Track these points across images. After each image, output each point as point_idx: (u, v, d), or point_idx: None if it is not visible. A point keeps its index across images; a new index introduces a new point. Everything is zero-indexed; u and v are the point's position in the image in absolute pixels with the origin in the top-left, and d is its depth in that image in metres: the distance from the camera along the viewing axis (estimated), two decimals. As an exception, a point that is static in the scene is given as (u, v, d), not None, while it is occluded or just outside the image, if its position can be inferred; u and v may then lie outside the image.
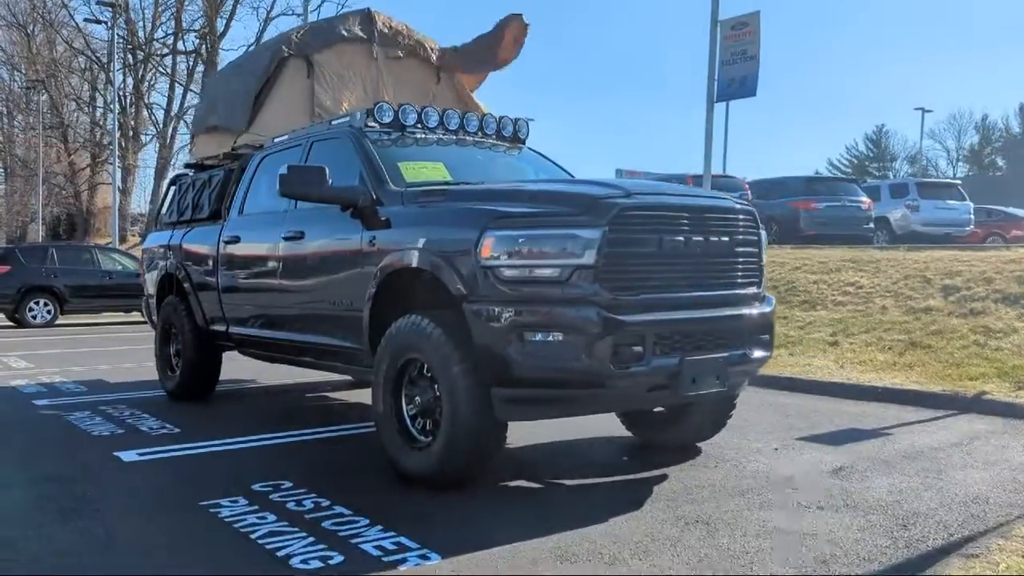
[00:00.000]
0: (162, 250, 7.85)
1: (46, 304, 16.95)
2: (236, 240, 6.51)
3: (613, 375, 4.00)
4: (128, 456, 5.28)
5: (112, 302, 17.89)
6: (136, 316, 18.60)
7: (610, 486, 4.65)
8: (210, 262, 6.90)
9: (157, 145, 41.78)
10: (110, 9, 32.94)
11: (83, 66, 45.62)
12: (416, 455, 4.50)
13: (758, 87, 16.20)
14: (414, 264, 4.55)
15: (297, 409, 7.31)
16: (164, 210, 8.29)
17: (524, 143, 6.40)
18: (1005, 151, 64.50)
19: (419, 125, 5.81)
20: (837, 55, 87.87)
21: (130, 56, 41.97)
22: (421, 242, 4.55)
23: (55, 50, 45.77)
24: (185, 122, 40.70)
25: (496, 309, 4.09)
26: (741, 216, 4.60)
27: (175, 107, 41.16)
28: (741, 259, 4.59)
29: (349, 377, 7.92)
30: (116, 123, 32.07)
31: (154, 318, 8.14)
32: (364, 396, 7.60)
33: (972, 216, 20.28)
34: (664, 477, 4.75)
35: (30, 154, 46.90)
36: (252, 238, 6.35)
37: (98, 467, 5.04)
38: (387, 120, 5.68)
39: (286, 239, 5.76)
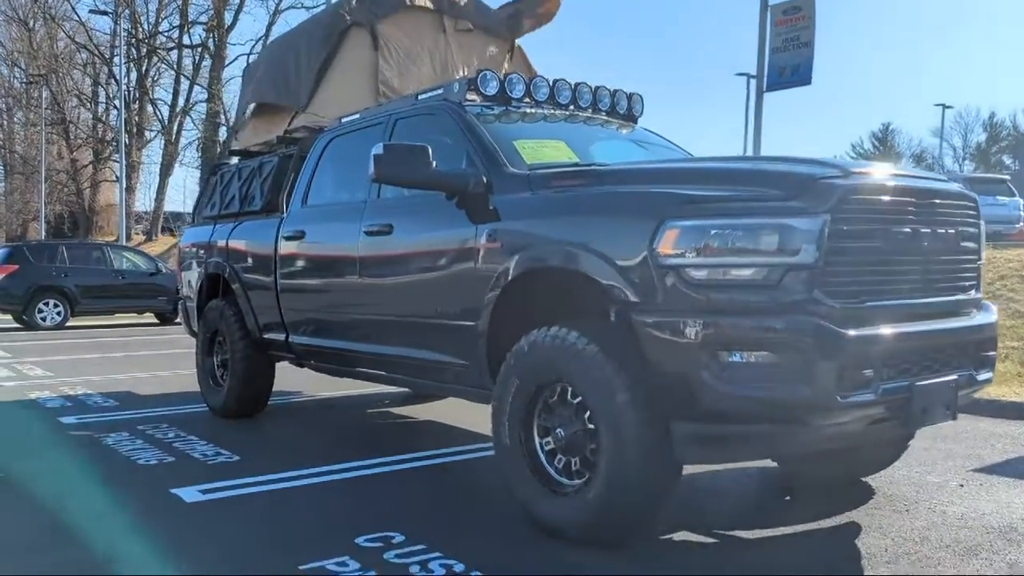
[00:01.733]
0: (204, 248, 6.95)
1: (56, 305, 16.04)
2: (300, 236, 5.61)
3: (837, 406, 3.11)
4: (189, 495, 4.38)
5: (125, 303, 17.01)
6: (149, 317, 17.76)
7: (798, 540, 3.75)
8: (266, 261, 6.00)
9: (162, 141, 40.83)
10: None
11: (85, 60, 44.65)
12: (559, 501, 3.61)
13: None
14: (559, 263, 3.66)
15: (364, 429, 6.41)
16: (204, 203, 7.39)
17: (636, 122, 5.52)
18: (1013, 149, 63.66)
19: (527, 98, 4.93)
20: (842, 52, 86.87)
21: (134, 50, 41.01)
22: (567, 236, 3.66)
23: (56, 45, 44.79)
24: (191, 118, 39.88)
25: (680, 321, 3.20)
26: (965, 203, 3.71)
27: (181, 102, 40.21)
28: (965, 256, 3.71)
29: (406, 390, 7.04)
30: (122, 118, 31.13)
31: (193, 324, 7.25)
32: (433, 412, 6.72)
33: (1022, 213, 19.45)
34: (855, 526, 3.86)
35: (31, 151, 45.94)
36: (321, 233, 5.45)
37: (157, 512, 4.15)
38: (492, 92, 4.80)
39: (369, 234, 4.87)
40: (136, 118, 41.43)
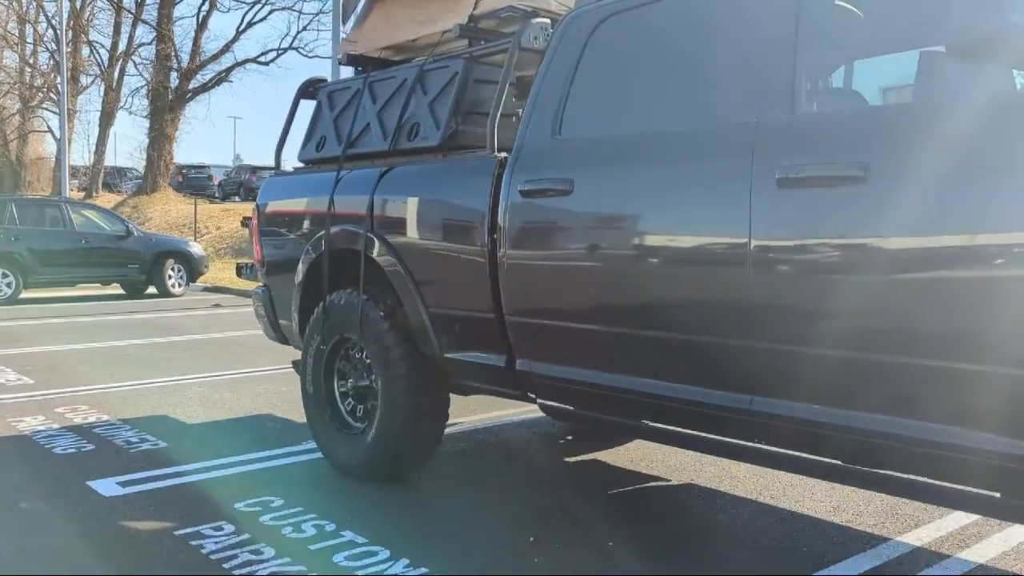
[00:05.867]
0: (314, 209, 4.41)
1: (5, 275, 13.05)
2: (561, 190, 3.15)
3: None
4: None
5: (89, 272, 14.09)
6: (116, 289, 14.91)
7: None
8: (468, 233, 3.54)
9: (101, 88, 36.87)
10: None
11: (10, -4, 40.10)
12: None
13: None
14: None
15: (615, 506, 3.96)
16: (307, 139, 4.77)
17: None
18: None
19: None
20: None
21: (66, -15, 36.72)
22: None
23: (-25, -21, 40.12)
24: (134, 62, 35.95)
25: None
26: None
27: (122, 44, 36.20)
28: None
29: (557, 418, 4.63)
30: (63, 52, 27.41)
31: (285, 323, 4.71)
32: (663, 461, 4.33)
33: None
34: None
35: (-52, 98, 41.38)
36: (626, 187, 3.00)
37: None
38: None
39: (789, 184, 2.46)
40: (70, 61, 37.26)
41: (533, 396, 3.47)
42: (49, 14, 35.64)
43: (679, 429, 2.87)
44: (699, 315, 2.72)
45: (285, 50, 32.50)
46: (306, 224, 4.50)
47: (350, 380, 4.22)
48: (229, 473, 4.26)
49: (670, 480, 4.19)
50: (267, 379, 6.85)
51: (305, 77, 4.91)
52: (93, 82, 38.37)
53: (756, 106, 2.64)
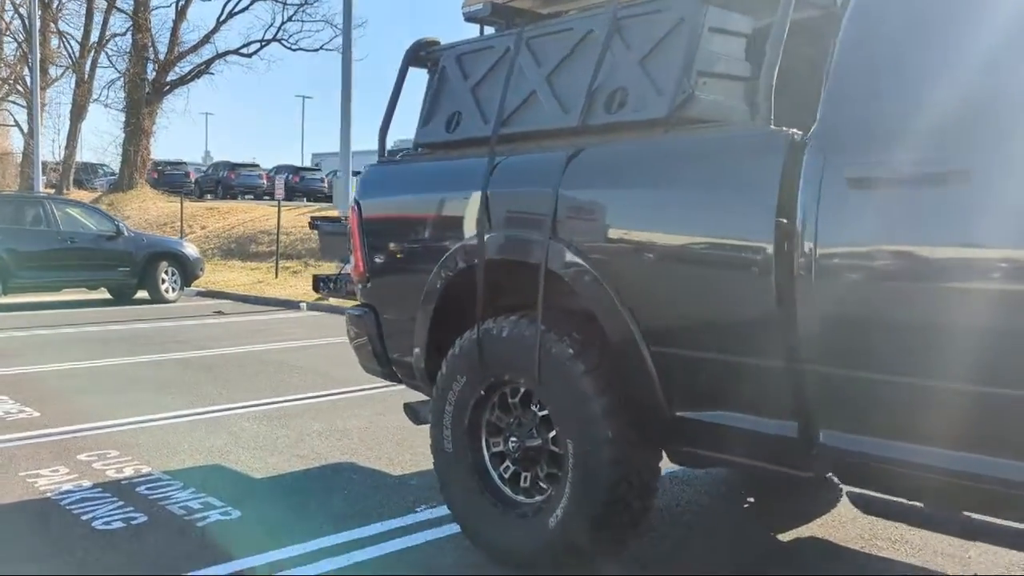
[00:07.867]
0: (458, 207, 3.30)
1: (-17, 280, 11.71)
2: (939, 172, 2.08)
3: None
4: None
5: (76, 275, 12.73)
6: (103, 294, 13.59)
7: None
8: (734, 243, 2.47)
9: (72, 80, 35.16)
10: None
11: (-26, -17, 38.18)
12: None
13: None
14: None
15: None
16: (428, 116, 3.63)
17: None
18: None
19: None
20: None
21: (35, -29, 34.94)
22: None
23: (-64, -36, 38.13)
24: (107, 53, 34.25)
25: None
26: None
27: (94, 35, 34.49)
28: None
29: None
30: (35, 42, 25.82)
31: (399, 354, 3.59)
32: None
33: None
34: None
35: (-92, 89, 39.33)
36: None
37: None
38: None
39: None
40: (39, 52, 35.45)
41: (841, 485, 2.39)
42: (16, 2, 33.91)
43: None
44: None
45: (268, 41, 31.07)
46: (441, 227, 3.39)
47: (511, 438, 3.11)
48: (345, 565, 3.15)
49: (945, 569, 3.14)
50: (323, 410, 5.72)
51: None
52: (63, 74, 36.61)
53: None
